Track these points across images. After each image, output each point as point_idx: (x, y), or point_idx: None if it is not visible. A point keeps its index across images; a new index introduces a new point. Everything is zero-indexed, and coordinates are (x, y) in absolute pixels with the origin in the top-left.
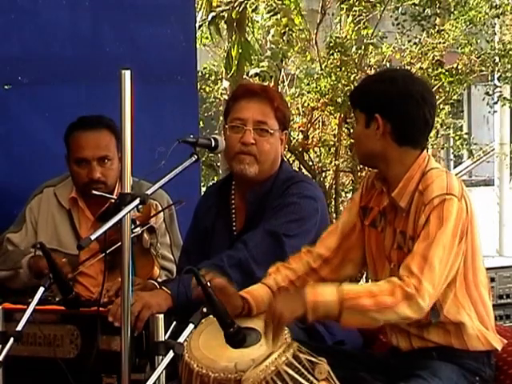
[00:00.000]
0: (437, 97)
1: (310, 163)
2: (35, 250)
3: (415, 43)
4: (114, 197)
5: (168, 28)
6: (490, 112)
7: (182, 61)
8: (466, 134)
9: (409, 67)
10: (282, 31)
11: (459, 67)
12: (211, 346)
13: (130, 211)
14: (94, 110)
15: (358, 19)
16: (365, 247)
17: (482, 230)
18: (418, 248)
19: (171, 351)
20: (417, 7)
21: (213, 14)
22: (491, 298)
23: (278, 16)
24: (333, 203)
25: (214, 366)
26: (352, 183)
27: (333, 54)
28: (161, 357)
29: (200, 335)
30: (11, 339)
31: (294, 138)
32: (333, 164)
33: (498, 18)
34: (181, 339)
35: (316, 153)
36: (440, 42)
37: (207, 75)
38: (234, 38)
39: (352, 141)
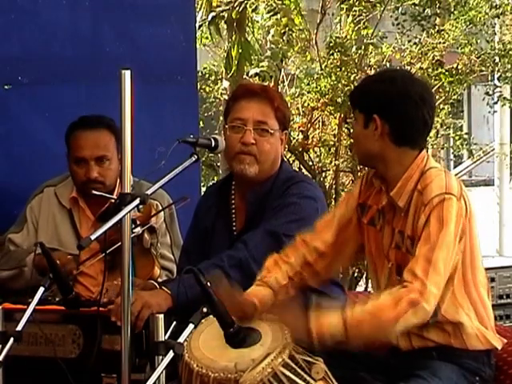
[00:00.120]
0: (437, 97)
1: (310, 163)
2: (35, 249)
3: (415, 43)
4: (114, 197)
5: (168, 28)
6: (490, 112)
7: (182, 61)
8: (466, 134)
9: (409, 67)
10: (282, 31)
11: (459, 67)
12: (211, 346)
13: (130, 211)
14: (94, 110)
15: (358, 19)
16: (358, 242)
17: (482, 230)
18: (420, 251)
19: (171, 351)
20: (417, 7)
21: (213, 14)
22: (491, 298)
23: (278, 16)
24: (333, 203)
25: (213, 366)
26: (352, 183)
27: (333, 54)
28: (161, 357)
29: (200, 335)
30: (11, 339)
31: (294, 138)
32: (333, 164)
33: (498, 17)
34: (181, 339)
35: (316, 153)
36: (440, 42)
37: (207, 75)
38: (234, 38)
39: (352, 141)
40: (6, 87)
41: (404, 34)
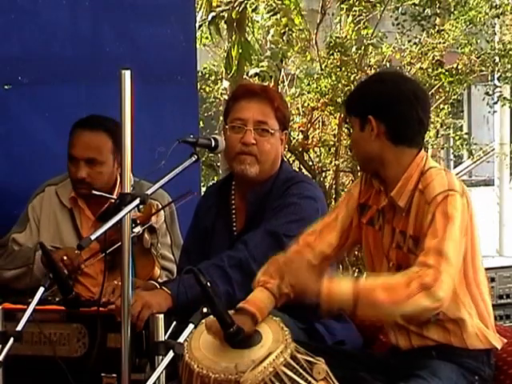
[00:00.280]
0: (437, 97)
1: (310, 163)
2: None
3: (415, 43)
4: (114, 197)
5: (168, 28)
6: (489, 112)
7: (182, 61)
8: (465, 134)
9: (409, 67)
10: (282, 31)
11: (459, 67)
12: (212, 347)
13: (130, 211)
14: (94, 110)
15: (358, 19)
16: (358, 242)
17: (482, 230)
18: (429, 244)
19: (171, 351)
20: (417, 7)
21: (213, 14)
22: (490, 298)
23: (278, 16)
24: (333, 203)
25: (214, 367)
26: (352, 183)
27: (333, 54)
28: (161, 357)
29: (200, 335)
30: (11, 339)
31: (294, 138)
32: (333, 164)
33: (498, 17)
34: (181, 339)
35: (316, 153)
36: (440, 42)
37: (207, 75)
38: (234, 38)
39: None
40: (5, 87)
41: (404, 33)
